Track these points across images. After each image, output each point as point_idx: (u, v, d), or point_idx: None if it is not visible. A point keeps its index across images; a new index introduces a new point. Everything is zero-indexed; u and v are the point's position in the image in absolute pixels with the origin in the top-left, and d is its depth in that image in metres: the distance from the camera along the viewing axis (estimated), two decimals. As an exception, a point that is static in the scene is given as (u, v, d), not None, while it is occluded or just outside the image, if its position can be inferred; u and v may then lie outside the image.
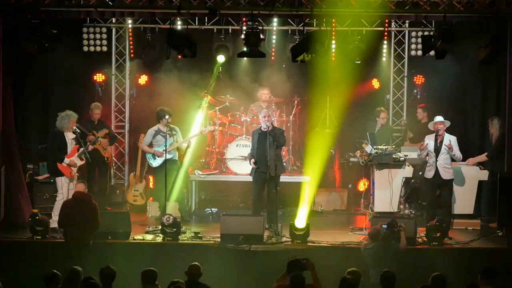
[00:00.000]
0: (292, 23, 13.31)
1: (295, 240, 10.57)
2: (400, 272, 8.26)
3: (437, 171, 11.05)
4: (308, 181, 12.25)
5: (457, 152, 11.08)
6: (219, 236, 10.54)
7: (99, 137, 12.08)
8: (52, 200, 11.45)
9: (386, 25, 13.54)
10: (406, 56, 13.84)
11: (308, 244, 10.51)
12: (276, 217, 11.11)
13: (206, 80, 13.27)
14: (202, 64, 13.25)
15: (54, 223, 10.61)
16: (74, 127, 11.08)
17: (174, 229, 10.55)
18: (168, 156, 11.62)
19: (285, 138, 11.55)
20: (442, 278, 7.36)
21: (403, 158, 11.69)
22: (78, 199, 9.88)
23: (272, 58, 13.54)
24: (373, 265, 8.98)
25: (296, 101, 13.28)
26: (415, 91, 14.08)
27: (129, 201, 13.07)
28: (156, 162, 11.89)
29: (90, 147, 11.54)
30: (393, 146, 12.46)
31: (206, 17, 13.05)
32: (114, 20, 13.50)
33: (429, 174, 11.16)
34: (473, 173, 11.86)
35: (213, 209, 12.88)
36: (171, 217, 10.58)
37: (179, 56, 11.94)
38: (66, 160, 10.98)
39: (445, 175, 11.08)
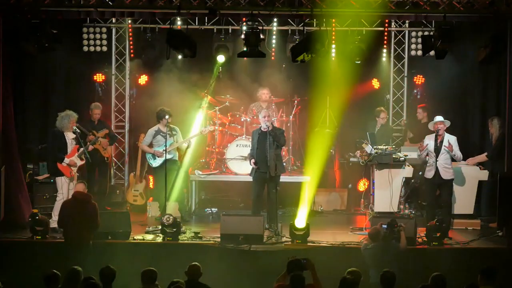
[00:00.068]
0: (292, 23, 13.30)
1: (295, 240, 10.57)
2: (400, 272, 8.26)
3: (437, 171, 11.05)
4: (308, 181, 12.25)
5: (457, 152, 11.08)
6: (219, 236, 10.54)
7: (99, 137, 12.09)
8: (52, 200, 11.46)
9: (386, 25, 13.54)
10: (406, 56, 13.83)
11: (308, 244, 10.51)
12: (276, 217, 11.11)
13: (206, 80, 13.26)
14: (202, 64, 13.24)
15: (54, 223, 10.61)
16: (74, 127, 11.08)
17: (174, 229, 10.55)
18: (168, 156, 11.62)
19: (285, 138, 11.56)
20: (442, 278, 7.36)
21: (403, 158, 11.69)
22: (77, 199, 9.88)
23: (272, 58, 13.54)
24: (373, 265, 8.98)
25: (296, 101, 13.27)
26: (415, 91, 14.08)
27: (129, 201, 13.07)
28: (156, 162, 11.89)
29: (90, 147, 11.54)
30: (393, 146, 12.46)
31: (206, 17, 13.05)
32: (114, 20, 13.50)
33: (429, 174, 11.16)
34: (473, 173, 11.86)
35: (213, 209, 12.88)
36: (171, 217, 10.58)
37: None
38: (66, 160, 10.98)
39: (445, 175, 11.08)
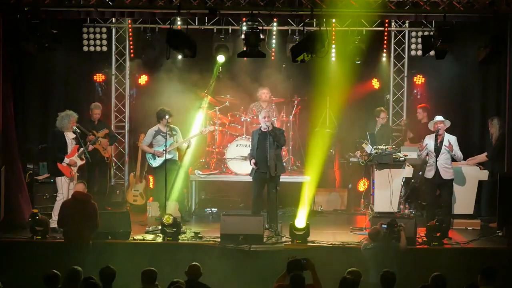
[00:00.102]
0: (292, 23, 13.30)
1: (295, 240, 10.56)
2: (400, 272, 8.27)
3: (437, 171, 11.04)
4: (308, 181, 12.25)
5: (457, 152, 11.08)
6: (219, 236, 10.54)
7: (99, 137, 12.09)
8: (52, 200, 11.46)
9: (386, 25, 13.54)
10: (406, 56, 13.83)
11: (308, 244, 10.51)
12: (276, 217, 11.11)
13: (206, 80, 13.25)
14: (202, 64, 13.23)
15: (54, 223, 10.61)
16: (74, 127, 11.09)
17: (174, 229, 10.55)
18: (168, 156, 11.62)
19: (285, 138, 11.56)
20: (442, 278, 7.35)
21: (403, 158, 11.69)
22: (77, 199, 9.89)
23: (272, 58, 13.54)
24: (373, 265, 8.98)
25: (296, 101, 13.27)
26: (415, 91, 14.07)
27: (129, 201, 13.06)
28: (156, 162, 11.89)
29: (90, 147, 11.55)
30: (393, 146, 12.47)
31: (206, 17, 13.04)
32: (114, 20, 13.50)
33: (429, 174, 11.16)
34: (473, 173, 11.86)
35: (213, 209, 12.88)
36: (171, 217, 10.57)
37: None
38: (66, 160, 10.98)
39: (445, 175, 11.08)
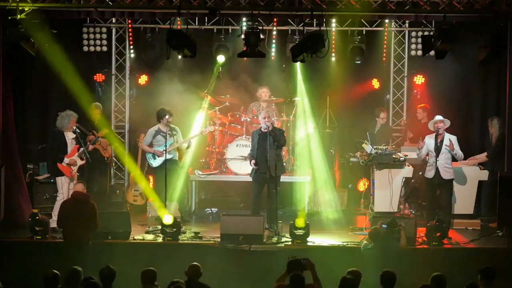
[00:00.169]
0: (292, 23, 13.30)
1: (295, 240, 10.56)
2: (400, 272, 8.24)
3: (437, 171, 11.03)
4: (308, 181, 12.24)
5: (458, 151, 11.08)
6: (219, 236, 10.54)
7: (99, 137, 12.08)
8: (52, 200, 11.46)
9: (386, 25, 13.53)
10: (406, 56, 13.83)
11: (308, 244, 10.51)
12: (276, 217, 11.12)
13: (206, 80, 13.24)
14: (202, 64, 13.23)
15: (54, 223, 10.61)
16: (74, 127, 11.09)
17: (174, 229, 10.55)
18: (168, 156, 11.62)
19: (285, 138, 11.55)
20: (442, 278, 7.36)
21: (403, 158, 11.68)
22: (76, 199, 9.89)
23: (272, 58, 13.53)
24: (373, 265, 8.96)
25: (296, 101, 13.26)
26: (415, 91, 14.07)
27: (129, 201, 13.06)
28: (156, 162, 11.88)
29: (90, 147, 11.54)
30: (393, 146, 12.47)
31: (206, 17, 13.04)
32: (114, 20, 13.50)
33: (429, 174, 11.16)
34: (473, 173, 11.86)
35: (213, 209, 12.88)
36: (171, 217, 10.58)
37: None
38: (66, 160, 10.98)
39: (446, 175, 11.07)
